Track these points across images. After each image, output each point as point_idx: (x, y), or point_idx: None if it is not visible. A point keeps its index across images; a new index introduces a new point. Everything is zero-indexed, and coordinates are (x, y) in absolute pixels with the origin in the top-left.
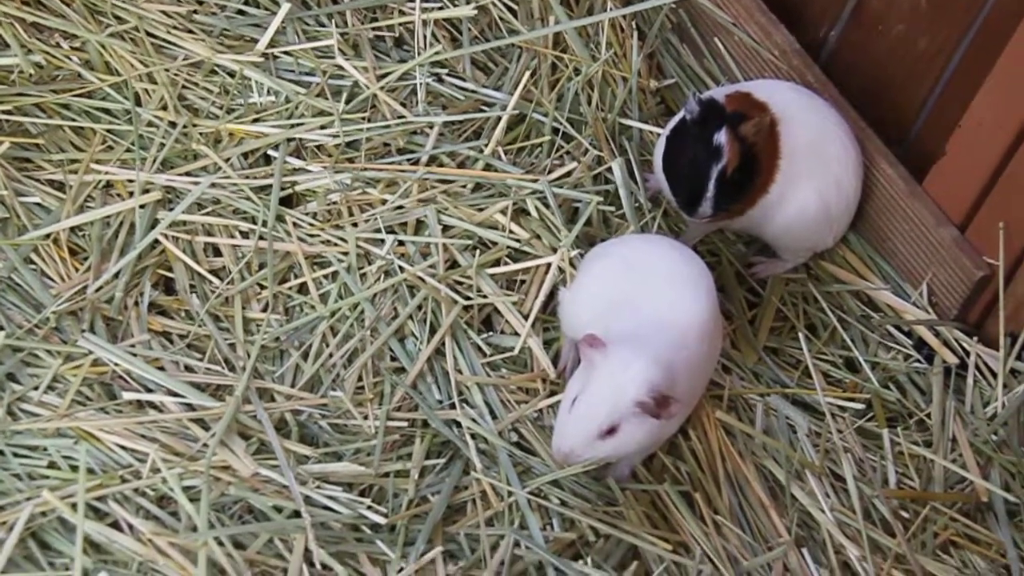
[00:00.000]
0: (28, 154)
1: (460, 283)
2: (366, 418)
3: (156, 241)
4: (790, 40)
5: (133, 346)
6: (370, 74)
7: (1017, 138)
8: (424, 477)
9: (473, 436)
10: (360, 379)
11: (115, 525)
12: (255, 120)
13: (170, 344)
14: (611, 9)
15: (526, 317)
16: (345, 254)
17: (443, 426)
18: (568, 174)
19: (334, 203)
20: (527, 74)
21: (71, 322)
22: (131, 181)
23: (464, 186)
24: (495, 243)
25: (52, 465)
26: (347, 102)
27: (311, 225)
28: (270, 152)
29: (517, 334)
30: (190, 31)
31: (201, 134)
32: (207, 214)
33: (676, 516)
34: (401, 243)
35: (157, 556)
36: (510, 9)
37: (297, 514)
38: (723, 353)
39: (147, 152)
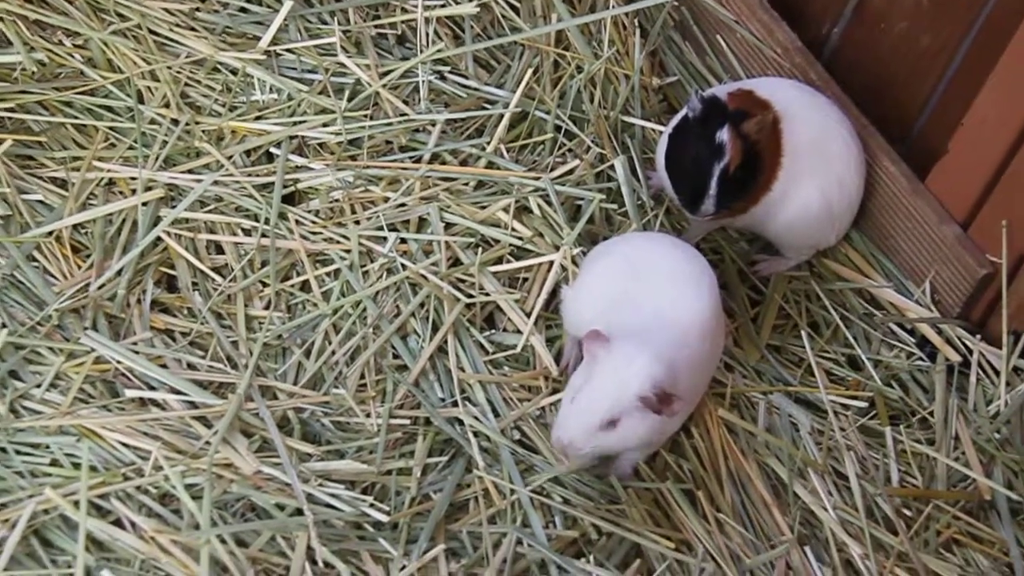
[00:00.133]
0: (30, 152)
1: (462, 281)
2: (368, 416)
3: (158, 239)
4: (792, 38)
5: (135, 344)
6: (372, 72)
7: (1020, 136)
8: (426, 475)
9: (475, 434)
10: (362, 377)
11: (117, 523)
12: (257, 118)
13: (172, 342)
14: (613, 7)
15: (528, 315)
16: (347, 252)
17: (445, 424)
18: (570, 172)
19: (336, 201)
20: (529, 72)
21: (73, 320)
22: (133, 179)
23: (466, 184)
24: (497, 241)
25: (54, 463)
26: (349, 100)
27: (313, 223)
28: (272, 150)
29: (519, 332)
30: (192, 29)
31: (204, 132)
32: (209, 212)
33: (679, 514)
34: (403, 241)
35: (159, 554)
36: (512, 7)
37: (299, 512)
38: (726, 351)
39: (149, 150)
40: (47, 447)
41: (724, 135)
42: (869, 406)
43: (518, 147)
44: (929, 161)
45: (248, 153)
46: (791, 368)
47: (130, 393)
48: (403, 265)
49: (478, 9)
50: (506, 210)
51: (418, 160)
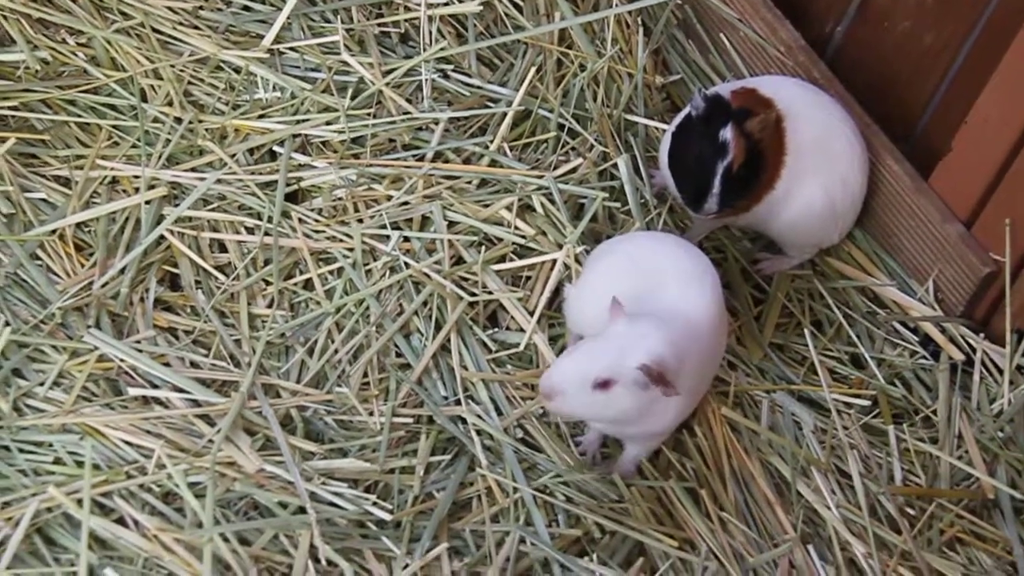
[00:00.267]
0: (34, 150)
1: (465, 279)
2: (371, 414)
3: (162, 237)
4: (796, 36)
5: (139, 342)
6: (375, 70)
7: (1023, 135)
8: (429, 473)
9: (478, 432)
10: (365, 375)
11: (120, 521)
12: (261, 116)
13: (175, 340)
14: (617, 5)
15: (532, 313)
16: (350, 250)
17: (448, 422)
18: (573, 170)
19: (339, 199)
20: (532, 70)
21: (77, 318)
22: (137, 177)
23: (469, 182)
24: (500, 239)
25: (58, 461)
26: (352, 98)
27: (316, 221)
28: (275, 148)
29: (523, 330)
30: (196, 27)
31: (207, 130)
32: (213, 210)
33: (682, 513)
34: (406, 239)
35: (162, 552)
36: (516, 5)
37: (302, 510)
38: (729, 349)
39: (153, 148)
40: (50, 445)
41: (727, 133)
42: (872, 405)
43: (521, 145)
44: (932, 160)
45: (251, 151)
46: (794, 367)
47: (133, 391)
48: (406, 263)
49: (481, 7)
50: (509, 208)
51: (421, 158)
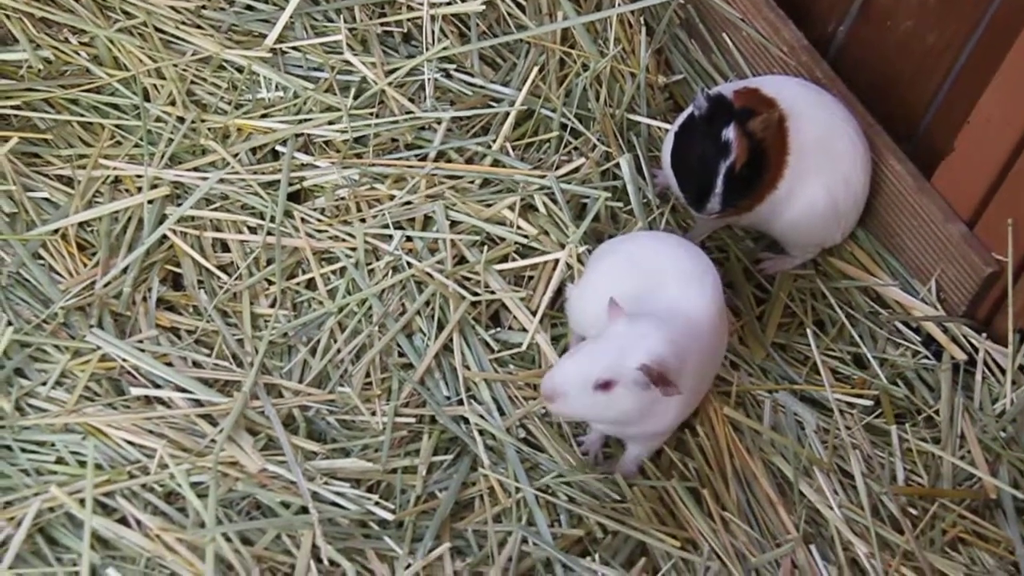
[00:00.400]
0: (36, 149)
1: (468, 279)
2: (374, 414)
3: (164, 236)
4: (798, 36)
5: (141, 342)
6: (378, 70)
7: None
8: (432, 473)
9: (481, 432)
10: (368, 375)
11: (123, 521)
12: (263, 115)
13: (178, 340)
14: (619, 5)
15: (534, 313)
16: (353, 250)
17: (451, 422)
18: (576, 170)
19: (342, 199)
20: (535, 70)
21: (79, 317)
22: (139, 176)
23: (472, 182)
24: (503, 239)
25: (60, 461)
26: (355, 98)
27: (319, 221)
28: (278, 148)
29: (525, 330)
30: (198, 26)
31: (209, 129)
32: (215, 210)
33: (684, 512)
34: (409, 239)
35: (165, 552)
36: (518, 5)
37: (305, 510)
38: (731, 349)
39: (155, 147)
40: (52, 445)
41: (730, 133)
42: (875, 404)
43: (524, 145)
44: (935, 159)
45: (254, 151)
46: (796, 366)
47: (135, 391)
48: (408, 263)
49: (484, 7)
50: (512, 208)
51: (424, 158)
